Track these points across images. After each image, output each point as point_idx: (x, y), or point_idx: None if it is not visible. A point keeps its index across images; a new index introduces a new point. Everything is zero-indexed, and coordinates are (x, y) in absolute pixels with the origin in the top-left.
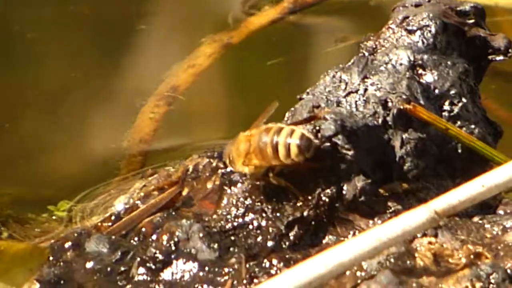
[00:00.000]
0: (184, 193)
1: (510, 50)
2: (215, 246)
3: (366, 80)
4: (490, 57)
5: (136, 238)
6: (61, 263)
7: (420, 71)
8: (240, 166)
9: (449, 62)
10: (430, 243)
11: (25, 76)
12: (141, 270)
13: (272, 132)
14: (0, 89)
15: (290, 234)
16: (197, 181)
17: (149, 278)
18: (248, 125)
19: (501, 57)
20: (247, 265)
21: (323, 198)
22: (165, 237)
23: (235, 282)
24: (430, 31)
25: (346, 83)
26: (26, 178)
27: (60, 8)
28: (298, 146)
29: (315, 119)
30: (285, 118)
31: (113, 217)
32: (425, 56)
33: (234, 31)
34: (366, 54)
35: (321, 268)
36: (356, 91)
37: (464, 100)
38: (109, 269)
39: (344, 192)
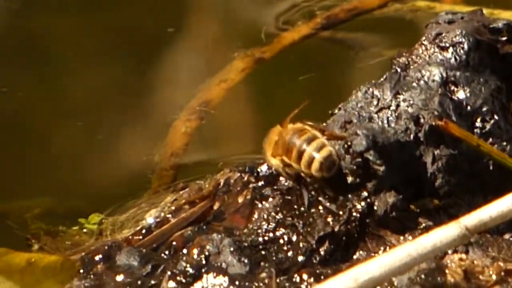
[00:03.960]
0: (215, 207)
1: None
2: (246, 260)
3: (398, 96)
4: None
5: (166, 252)
6: (92, 276)
7: (453, 87)
8: (269, 157)
9: (481, 79)
10: (461, 259)
11: (59, 88)
12: (172, 283)
13: (303, 137)
14: (35, 100)
15: (320, 249)
16: (228, 195)
17: None
18: None
19: None
20: (278, 280)
21: (354, 213)
22: (195, 251)
23: None
24: (463, 48)
25: (378, 99)
26: (57, 190)
27: (90, 19)
28: (320, 163)
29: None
30: (324, 124)
31: (143, 231)
32: (458, 73)
33: (266, 46)
34: (399, 70)
35: (352, 283)
36: (388, 107)
37: (496, 117)
38: (139, 282)
39: (375, 207)
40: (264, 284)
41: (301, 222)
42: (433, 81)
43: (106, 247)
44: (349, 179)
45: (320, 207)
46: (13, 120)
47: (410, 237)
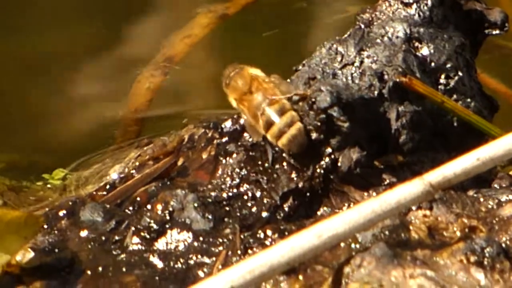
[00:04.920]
0: (179, 163)
1: (506, 25)
2: (210, 216)
3: (362, 52)
4: (486, 31)
5: (130, 208)
6: (56, 232)
7: (416, 44)
8: (230, 98)
9: (445, 36)
10: (425, 216)
11: (24, 41)
12: (136, 239)
13: (275, 107)
14: None
15: (285, 205)
16: (192, 151)
17: (143, 248)
18: None
19: (497, 31)
20: (242, 236)
21: (318, 170)
22: (159, 207)
23: (229, 252)
24: (426, 4)
25: (342, 55)
26: (21, 145)
27: None
28: (289, 140)
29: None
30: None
31: (108, 186)
32: (421, 29)
33: (230, 2)
34: (362, 26)
35: (315, 239)
36: (352, 64)
37: (460, 73)
38: (103, 238)
39: (339, 164)
40: (228, 240)
41: (265, 178)
42: (397, 37)
43: (70, 203)
44: (313, 135)
45: (284, 163)
46: None
47: (374, 194)
